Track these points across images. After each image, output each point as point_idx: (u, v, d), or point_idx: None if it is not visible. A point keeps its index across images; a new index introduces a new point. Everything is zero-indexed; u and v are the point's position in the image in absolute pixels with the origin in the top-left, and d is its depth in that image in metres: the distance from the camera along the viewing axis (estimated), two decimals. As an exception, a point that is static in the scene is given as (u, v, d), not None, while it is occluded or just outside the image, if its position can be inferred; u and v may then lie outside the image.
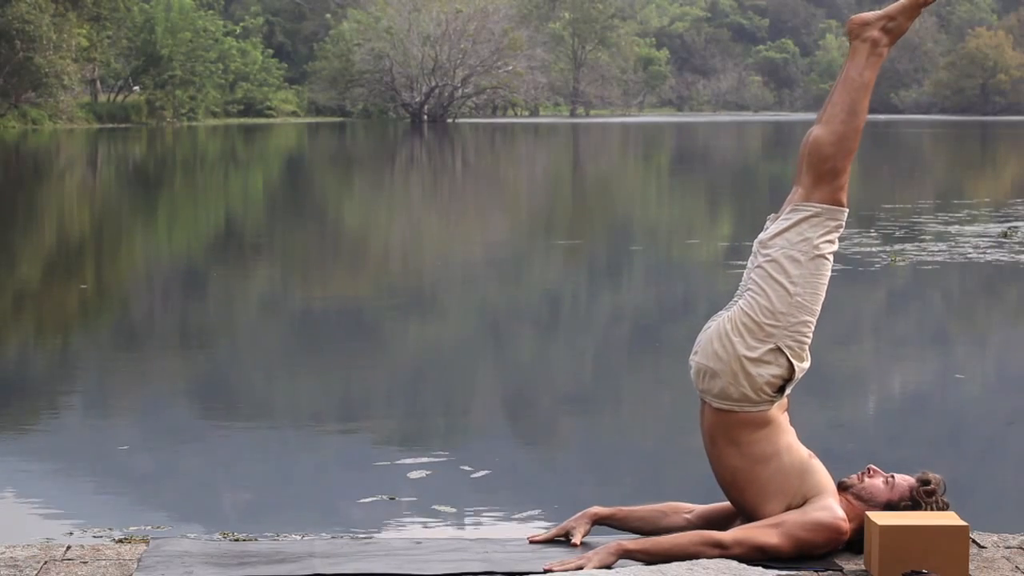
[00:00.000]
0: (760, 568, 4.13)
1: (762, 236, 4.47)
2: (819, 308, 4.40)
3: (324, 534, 5.76)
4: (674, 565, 4.08)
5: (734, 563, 4.11)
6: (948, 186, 34.89)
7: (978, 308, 14.86)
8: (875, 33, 4.56)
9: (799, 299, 4.36)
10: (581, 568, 4.20)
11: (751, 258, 4.48)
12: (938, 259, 17.00)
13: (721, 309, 4.53)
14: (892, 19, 4.58)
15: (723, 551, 4.25)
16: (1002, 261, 16.85)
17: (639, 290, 16.36)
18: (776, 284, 4.37)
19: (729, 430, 4.38)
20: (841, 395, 10.12)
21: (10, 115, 64.28)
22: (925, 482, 4.46)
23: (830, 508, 4.33)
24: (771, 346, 4.35)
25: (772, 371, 4.35)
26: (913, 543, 4.14)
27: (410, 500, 6.92)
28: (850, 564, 4.31)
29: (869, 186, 35.55)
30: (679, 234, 22.69)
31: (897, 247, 18.20)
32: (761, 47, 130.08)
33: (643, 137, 70.81)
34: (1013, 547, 4.50)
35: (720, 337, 4.40)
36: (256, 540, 4.92)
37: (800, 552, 4.30)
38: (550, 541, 4.54)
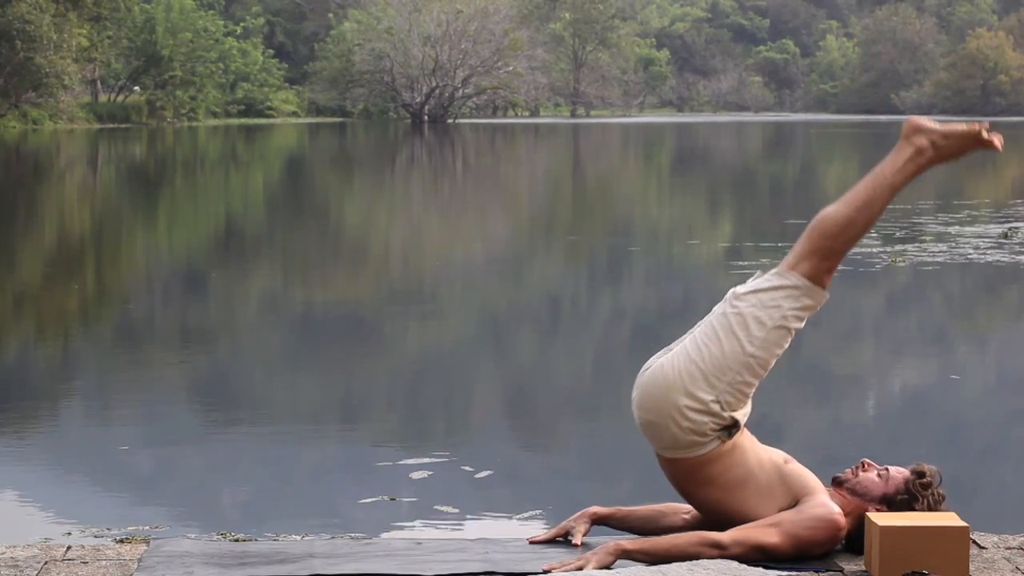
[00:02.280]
0: (760, 569, 4.13)
1: (738, 287, 4.45)
2: (766, 373, 4.37)
3: (324, 534, 5.76)
4: (674, 566, 4.08)
5: (734, 564, 4.11)
6: (948, 187, 34.90)
7: (978, 309, 14.86)
8: (923, 142, 4.54)
9: (751, 361, 4.34)
10: (580, 568, 4.20)
11: (719, 304, 4.45)
12: (938, 260, 17.00)
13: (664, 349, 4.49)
14: (946, 138, 4.56)
15: (722, 551, 4.25)
16: (1002, 262, 16.85)
17: (639, 290, 16.36)
18: (734, 339, 4.34)
19: (692, 474, 4.37)
20: (841, 395, 10.12)
21: (10, 115, 64.29)
22: (920, 474, 4.45)
23: (825, 504, 4.33)
24: (711, 397, 4.32)
25: (712, 420, 4.32)
26: (914, 544, 4.14)
27: (411, 500, 6.92)
28: (850, 565, 4.31)
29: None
30: (679, 234, 22.68)
31: (897, 248, 18.19)
32: (761, 48, 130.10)
33: (643, 138, 70.81)
34: (1014, 548, 4.50)
35: (659, 385, 4.36)
36: (256, 540, 4.92)
37: (800, 550, 4.29)
38: (550, 541, 4.54)
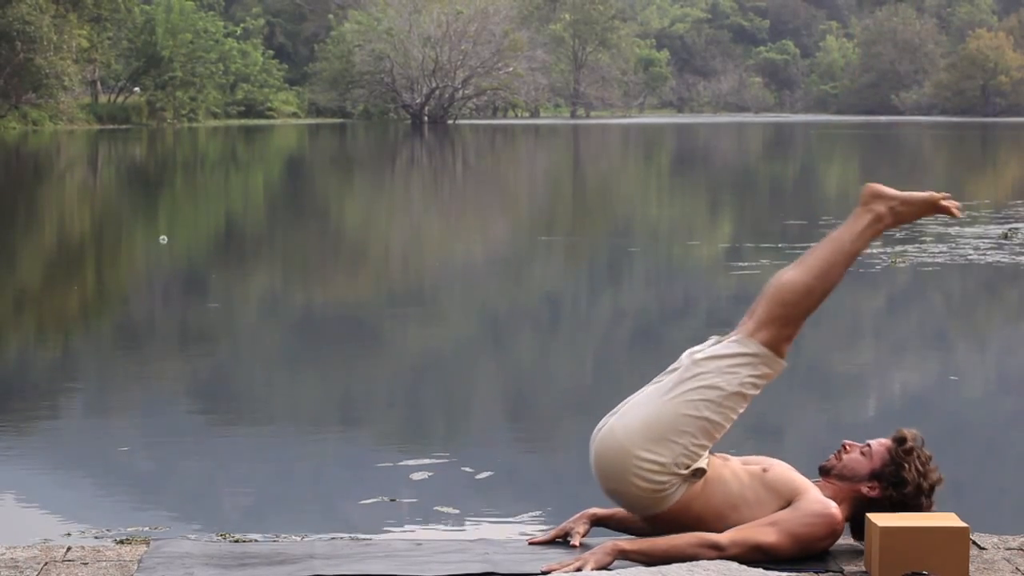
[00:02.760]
0: (760, 570, 4.13)
1: (696, 351, 4.43)
2: (721, 436, 4.37)
3: (324, 535, 5.76)
4: (674, 567, 4.07)
5: (734, 565, 4.11)
6: (948, 187, 34.84)
7: (978, 310, 14.86)
8: (882, 209, 4.59)
9: (707, 425, 4.33)
10: (579, 569, 4.20)
11: (674, 365, 4.45)
12: (939, 260, 17.00)
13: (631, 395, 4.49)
14: (905, 204, 4.61)
15: (720, 552, 4.25)
16: (1002, 263, 16.85)
17: (640, 291, 16.36)
18: (690, 403, 4.33)
19: (678, 519, 4.36)
20: (841, 396, 10.12)
21: (11, 116, 64.30)
22: (901, 440, 4.44)
23: (819, 500, 4.32)
24: (668, 459, 4.31)
25: (672, 477, 4.32)
26: (913, 544, 4.14)
27: (411, 501, 6.92)
28: (850, 566, 4.31)
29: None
30: (679, 235, 22.68)
31: (898, 248, 18.20)
32: (762, 48, 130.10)
33: (643, 138, 70.82)
34: (1014, 548, 4.50)
35: (613, 450, 4.36)
36: (256, 541, 4.93)
37: (801, 548, 4.29)
38: (549, 543, 4.54)
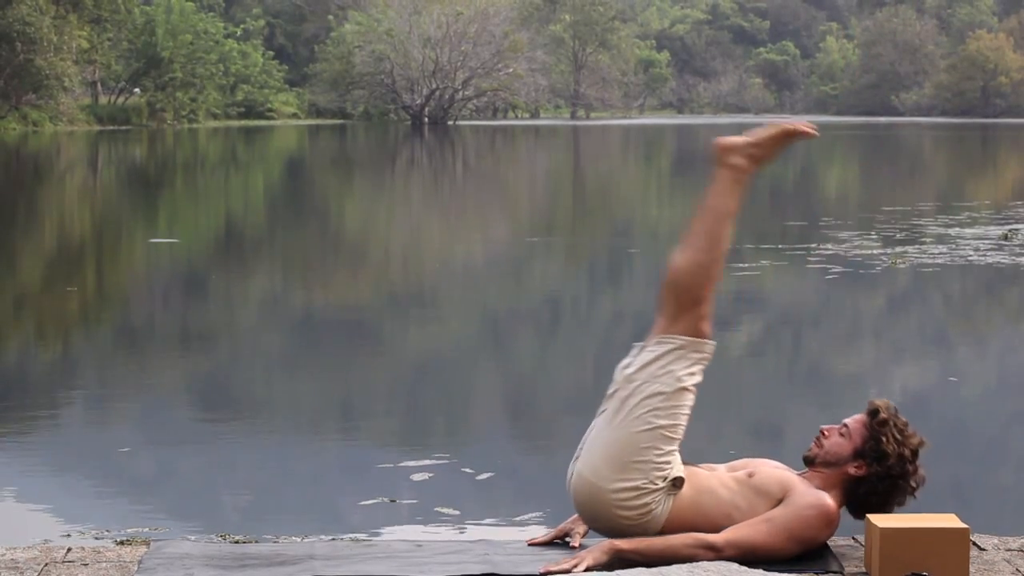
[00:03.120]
0: (760, 571, 4.13)
1: (627, 369, 4.41)
2: (682, 434, 4.35)
3: (324, 536, 5.76)
4: (674, 568, 4.07)
5: (734, 566, 4.11)
6: (948, 188, 34.90)
7: (978, 311, 14.86)
8: (738, 160, 4.52)
9: (662, 432, 4.31)
10: (575, 567, 4.20)
11: (611, 387, 4.42)
12: (939, 261, 17.00)
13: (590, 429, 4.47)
14: (758, 146, 4.53)
15: (716, 553, 4.24)
16: (1003, 263, 16.85)
17: (640, 292, 16.36)
18: (640, 420, 4.31)
19: (671, 527, 4.34)
20: (841, 397, 10.11)
21: (11, 117, 64.30)
22: (874, 413, 4.43)
23: (809, 492, 4.31)
24: (641, 480, 4.30)
25: (652, 495, 4.31)
26: (913, 546, 4.14)
27: (411, 502, 6.92)
28: (850, 567, 4.31)
29: (870, 188, 35.56)
30: (679, 236, 22.65)
31: (898, 249, 18.19)
32: (762, 49, 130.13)
33: (644, 139, 70.82)
34: (1014, 550, 4.50)
35: (587, 493, 4.35)
36: (256, 542, 4.93)
37: (799, 544, 4.27)
38: (549, 543, 4.54)
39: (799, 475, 4.43)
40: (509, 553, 4.46)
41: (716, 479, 4.38)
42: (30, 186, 32.96)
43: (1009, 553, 4.46)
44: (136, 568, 4.27)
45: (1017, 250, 18.22)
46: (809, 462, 4.42)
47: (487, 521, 6.67)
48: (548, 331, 13.42)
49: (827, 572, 4.25)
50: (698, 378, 4.39)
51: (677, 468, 4.35)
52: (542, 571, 4.21)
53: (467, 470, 7.53)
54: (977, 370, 11.50)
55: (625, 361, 4.43)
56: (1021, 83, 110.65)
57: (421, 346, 12.31)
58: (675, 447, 4.34)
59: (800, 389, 10.28)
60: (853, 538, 4.61)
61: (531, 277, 17.46)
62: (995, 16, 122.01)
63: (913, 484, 4.39)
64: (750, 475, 4.37)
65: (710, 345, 4.39)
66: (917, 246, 18.67)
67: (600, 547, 4.26)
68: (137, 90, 77.52)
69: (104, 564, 4.31)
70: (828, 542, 4.39)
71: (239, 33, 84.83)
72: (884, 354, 12.04)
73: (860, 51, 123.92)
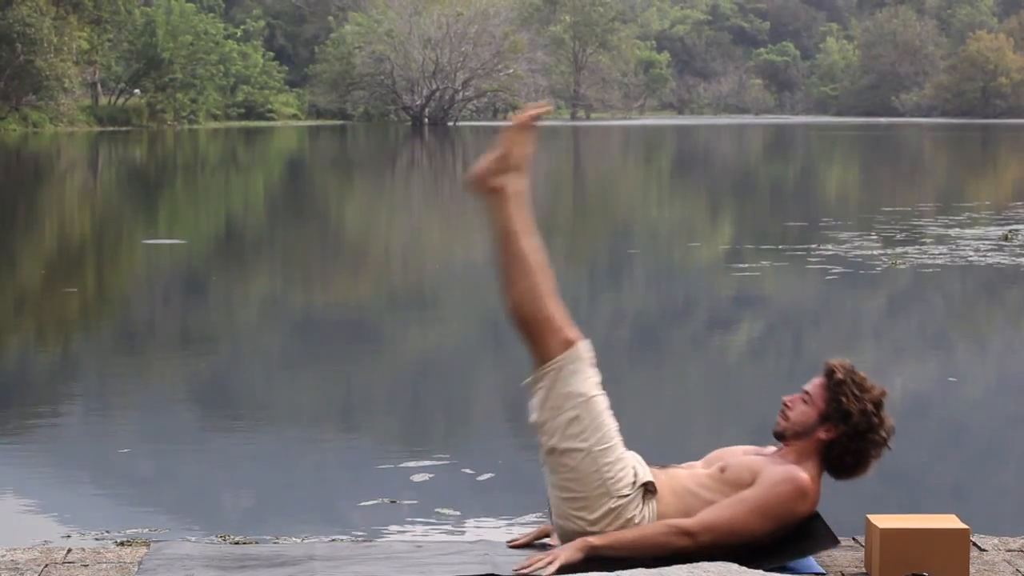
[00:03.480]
0: (760, 571, 4.13)
1: (533, 417, 4.37)
2: (616, 434, 4.33)
3: (325, 537, 5.76)
4: (675, 568, 4.07)
5: (734, 566, 4.11)
6: (949, 189, 34.90)
7: (979, 311, 14.86)
8: (496, 181, 4.43)
9: (600, 447, 4.30)
10: (549, 564, 4.19)
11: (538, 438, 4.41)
12: (939, 262, 17.00)
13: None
14: (503, 157, 4.44)
15: (692, 538, 4.21)
16: (1003, 264, 16.85)
17: (640, 293, 16.36)
18: (574, 452, 4.29)
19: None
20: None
21: (11, 118, 64.32)
22: (829, 374, 4.41)
23: (777, 468, 4.28)
24: (611, 504, 4.28)
25: (629, 507, 4.29)
26: (914, 546, 4.14)
27: (411, 503, 6.92)
28: (850, 568, 4.31)
29: (870, 189, 35.56)
30: (680, 237, 22.68)
31: (898, 250, 18.19)
32: (762, 50, 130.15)
33: (644, 140, 70.84)
34: (1014, 550, 4.50)
35: (568, 530, 4.34)
36: (257, 543, 4.93)
37: (775, 519, 4.23)
38: (530, 544, 4.54)
39: (775, 452, 4.41)
40: (509, 554, 4.46)
41: (694, 479, 4.36)
42: (30, 187, 32.96)
43: (1009, 553, 4.46)
44: (136, 569, 4.27)
45: (1017, 251, 18.22)
46: (780, 437, 4.39)
47: (487, 522, 6.66)
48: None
49: (828, 573, 4.24)
50: (595, 378, 4.36)
51: (642, 472, 4.35)
52: (515, 569, 4.21)
53: (467, 471, 7.53)
54: (977, 371, 11.50)
55: (531, 415, 4.39)
56: (1021, 84, 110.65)
57: (421, 347, 12.31)
58: (619, 451, 4.33)
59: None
60: (853, 538, 4.61)
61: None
62: (995, 17, 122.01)
63: (883, 435, 4.36)
64: (722, 470, 4.35)
65: (583, 345, 4.36)
66: (917, 247, 18.67)
67: (573, 544, 4.24)
68: (137, 91, 77.55)
69: (104, 565, 4.31)
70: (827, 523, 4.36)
71: (239, 34, 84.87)
72: (884, 354, 12.04)
73: (860, 52, 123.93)
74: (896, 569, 4.13)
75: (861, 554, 4.43)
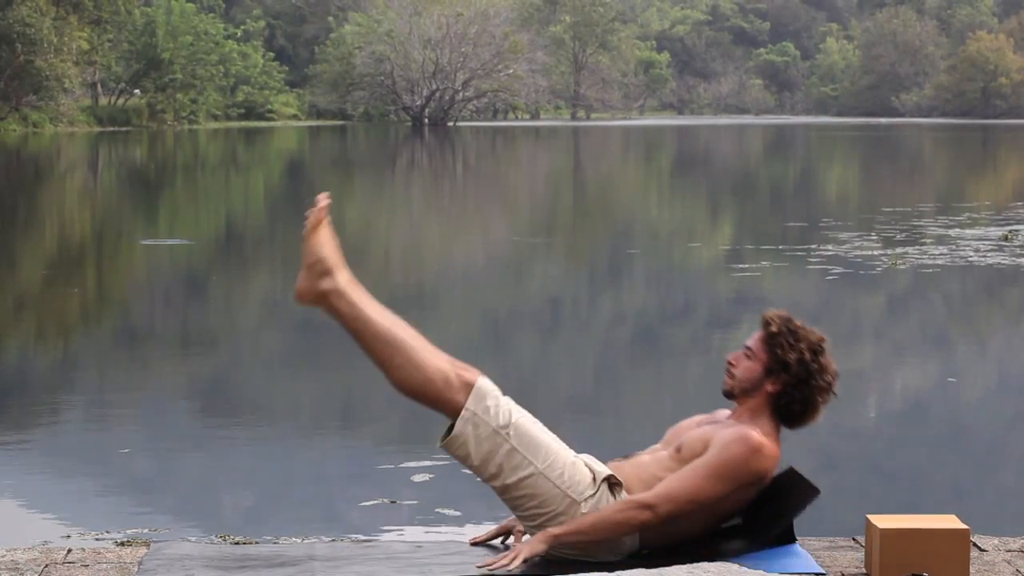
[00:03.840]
0: (761, 572, 4.13)
1: (472, 468, 4.38)
2: (557, 443, 4.33)
3: (325, 537, 5.76)
4: (675, 568, 4.07)
5: (735, 566, 4.11)
6: (949, 189, 34.89)
7: (979, 312, 14.86)
8: (319, 289, 4.46)
9: (544, 465, 4.30)
10: (513, 560, 4.19)
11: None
12: (939, 262, 17.00)
13: None
14: (317, 261, 4.42)
15: (651, 510, 4.20)
16: (1003, 264, 16.85)
17: (640, 293, 16.36)
18: (522, 483, 4.29)
19: (653, 530, 4.33)
20: (841, 398, 10.10)
21: (11, 118, 64.33)
22: (765, 325, 4.40)
23: (728, 431, 4.28)
24: (580, 507, 4.28)
25: (601, 494, 4.31)
26: (914, 546, 4.14)
27: (412, 504, 6.91)
28: (850, 568, 4.31)
29: (870, 189, 35.56)
30: (680, 237, 22.68)
31: (898, 250, 18.19)
32: (762, 50, 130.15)
33: (644, 140, 70.84)
34: (1014, 550, 4.50)
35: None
36: (257, 543, 4.93)
37: (732, 481, 4.22)
38: (490, 540, 4.55)
39: (728, 416, 4.40)
40: (509, 554, 4.46)
41: (658, 464, 4.36)
42: (30, 187, 32.96)
43: (1010, 554, 4.46)
44: (136, 569, 4.27)
45: (1017, 251, 18.22)
46: (730, 395, 4.40)
47: (488, 522, 6.66)
48: (548, 331, 13.41)
49: (828, 573, 4.24)
50: (509, 403, 4.37)
51: (599, 468, 4.36)
52: (478, 567, 4.21)
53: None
54: (977, 371, 11.50)
55: (468, 467, 4.40)
56: (1021, 84, 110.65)
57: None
58: (567, 457, 4.32)
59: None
60: (853, 539, 4.62)
61: (531, 278, 17.46)
62: (995, 17, 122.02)
63: (826, 380, 4.36)
64: (678, 450, 4.35)
65: (483, 382, 4.37)
66: (917, 247, 18.67)
67: (536, 537, 4.25)
68: (137, 91, 77.56)
69: (104, 565, 4.32)
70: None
71: (239, 34, 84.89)
72: (884, 355, 12.04)
73: (860, 52, 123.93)
74: (896, 569, 4.13)
75: (861, 554, 4.43)
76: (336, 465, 8.07)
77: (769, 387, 4.33)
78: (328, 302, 4.44)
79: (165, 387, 10.39)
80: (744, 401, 4.36)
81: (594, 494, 4.29)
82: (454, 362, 4.40)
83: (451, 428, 4.36)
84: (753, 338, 4.41)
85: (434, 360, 4.38)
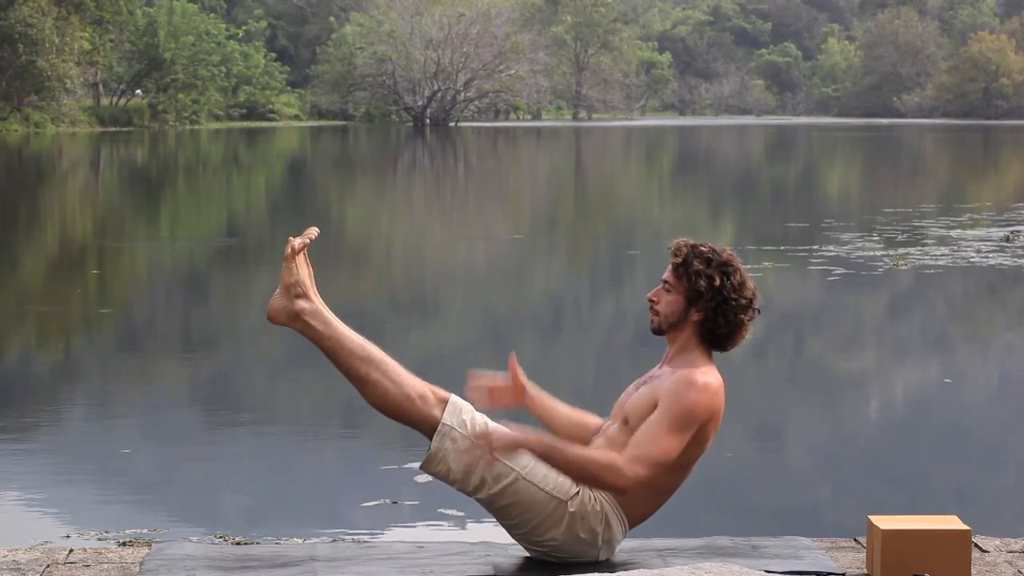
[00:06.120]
0: (762, 572, 4.13)
1: (455, 483, 4.38)
2: (526, 457, 4.35)
3: (326, 538, 5.77)
4: (675, 568, 4.07)
5: (735, 566, 4.11)
6: (950, 190, 34.89)
7: (980, 312, 14.86)
8: (291, 309, 4.52)
9: (527, 470, 4.32)
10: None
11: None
12: (940, 263, 17.00)
13: None
14: (293, 284, 4.54)
15: (629, 480, 4.19)
16: (1004, 265, 16.85)
17: (640, 293, 16.36)
18: (507, 491, 4.31)
19: (640, 495, 4.35)
20: (842, 399, 10.11)
21: (12, 118, 64.33)
22: (674, 255, 4.44)
23: (668, 380, 4.29)
24: (569, 513, 4.31)
25: (590, 503, 4.33)
26: (915, 547, 4.14)
27: (413, 504, 6.92)
28: (852, 569, 4.31)
29: (872, 190, 35.56)
30: (681, 237, 22.64)
31: (900, 251, 18.19)
32: (763, 51, 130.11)
33: (645, 141, 70.83)
34: (1015, 551, 4.50)
35: (534, 545, 4.38)
36: (258, 544, 4.93)
37: (696, 424, 4.22)
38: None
39: (660, 364, 4.42)
40: (511, 555, 4.46)
41: (611, 443, 4.35)
42: (32, 188, 32.97)
43: (1011, 555, 4.46)
44: (138, 569, 4.27)
45: (1019, 252, 18.22)
46: (659, 332, 4.42)
47: (489, 523, 6.66)
48: (550, 331, 13.42)
49: (828, 573, 4.24)
50: (484, 417, 4.41)
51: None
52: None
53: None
54: (979, 371, 11.50)
55: (451, 484, 4.41)
56: (1023, 85, 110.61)
57: (422, 346, 12.31)
58: (543, 464, 4.32)
59: (802, 390, 10.28)
60: (855, 539, 4.62)
61: (532, 278, 17.47)
62: (997, 18, 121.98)
63: (746, 297, 4.35)
64: (625, 422, 4.36)
65: (456, 398, 4.40)
66: (919, 248, 18.67)
67: (507, 439, 4.31)
68: (139, 91, 77.55)
69: (106, 565, 4.32)
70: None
71: (241, 35, 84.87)
72: (886, 355, 12.04)
73: (862, 53, 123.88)
74: (898, 570, 4.13)
75: (863, 555, 4.43)
76: (338, 465, 8.08)
77: (695, 316, 4.35)
78: (302, 321, 4.49)
79: (167, 387, 10.40)
80: (674, 337, 4.38)
81: (578, 492, 4.29)
82: (425, 384, 4.45)
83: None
84: (668, 271, 4.41)
85: (407, 381, 4.43)
